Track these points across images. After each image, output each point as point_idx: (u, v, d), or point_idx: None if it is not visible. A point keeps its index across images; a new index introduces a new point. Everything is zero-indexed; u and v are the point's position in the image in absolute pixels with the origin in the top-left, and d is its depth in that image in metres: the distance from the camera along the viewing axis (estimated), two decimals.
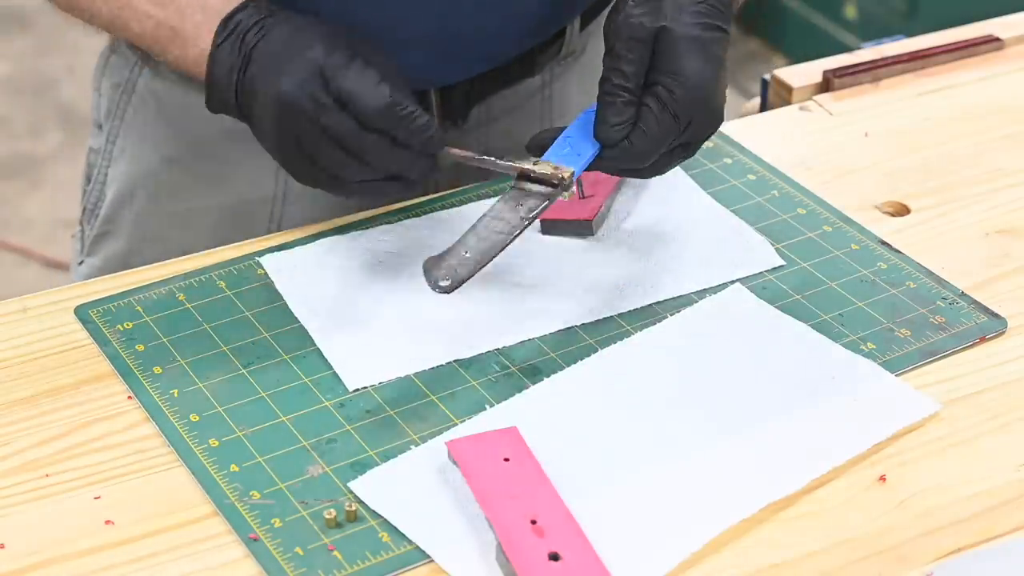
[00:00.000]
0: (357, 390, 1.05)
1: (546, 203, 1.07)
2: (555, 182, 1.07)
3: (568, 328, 1.11)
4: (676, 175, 1.24)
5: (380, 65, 1.08)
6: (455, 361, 1.07)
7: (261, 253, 1.17)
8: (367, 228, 1.20)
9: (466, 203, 1.23)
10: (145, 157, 1.31)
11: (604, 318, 1.11)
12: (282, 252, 1.17)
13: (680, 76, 1.06)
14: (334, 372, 1.06)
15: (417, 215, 1.21)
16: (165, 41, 1.15)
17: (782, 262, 1.14)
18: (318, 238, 1.18)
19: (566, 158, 1.09)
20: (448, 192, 1.25)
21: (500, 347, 1.08)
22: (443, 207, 1.22)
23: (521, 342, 1.09)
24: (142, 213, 1.31)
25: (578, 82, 1.34)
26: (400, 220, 1.21)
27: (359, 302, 1.13)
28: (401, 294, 1.13)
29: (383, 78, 1.06)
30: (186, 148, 1.29)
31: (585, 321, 1.11)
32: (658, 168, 1.10)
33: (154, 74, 1.29)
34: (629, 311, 1.12)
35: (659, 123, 1.06)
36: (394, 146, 1.07)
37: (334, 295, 1.14)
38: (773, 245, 1.18)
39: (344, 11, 1.17)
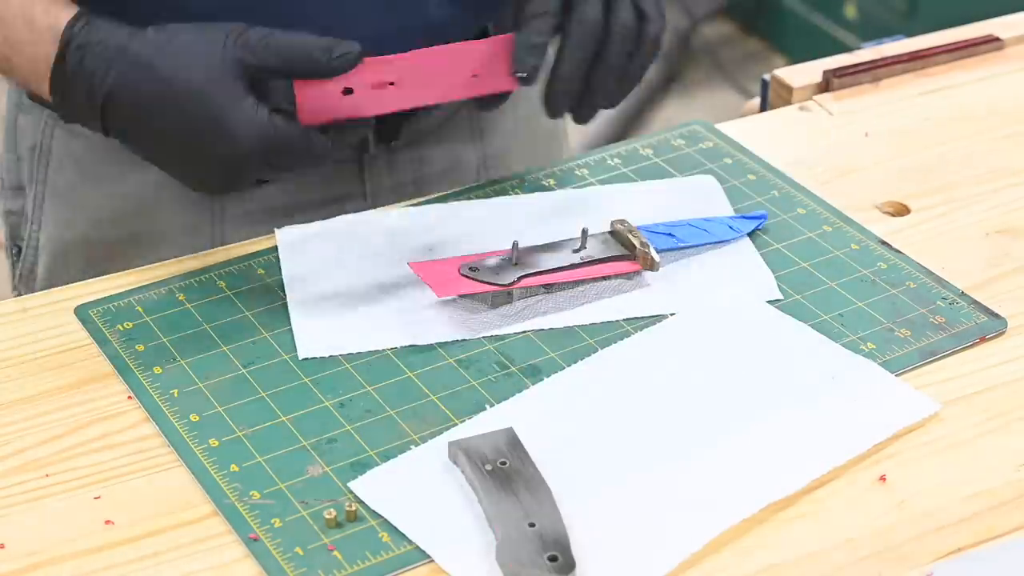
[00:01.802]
0: (307, 359, 1.07)
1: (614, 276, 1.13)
2: (634, 254, 1.13)
3: (567, 328, 1.11)
4: (707, 185, 1.25)
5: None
6: (455, 361, 1.07)
7: (261, 253, 1.17)
8: (389, 212, 1.22)
9: (487, 197, 1.24)
10: (75, 222, 1.27)
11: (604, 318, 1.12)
12: (298, 226, 1.19)
13: None
14: (334, 372, 1.06)
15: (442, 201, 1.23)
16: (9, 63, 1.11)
17: (780, 296, 1.14)
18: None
19: (659, 238, 1.16)
20: (460, 189, 1.25)
21: (460, 339, 1.09)
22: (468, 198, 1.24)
23: (513, 341, 1.09)
24: (81, 276, 1.24)
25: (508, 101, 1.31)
26: (418, 207, 1.22)
27: (343, 279, 1.14)
28: (387, 277, 1.14)
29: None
30: (116, 208, 1.26)
31: (580, 323, 1.11)
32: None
33: (68, 134, 1.25)
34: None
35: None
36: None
37: (324, 270, 1.15)
38: (773, 245, 1.18)
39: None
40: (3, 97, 1.30)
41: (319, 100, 1.07)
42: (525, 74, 1.11)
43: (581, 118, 1.15)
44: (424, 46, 1.12)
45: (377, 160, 1.28)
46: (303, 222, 1.21)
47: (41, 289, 1.29)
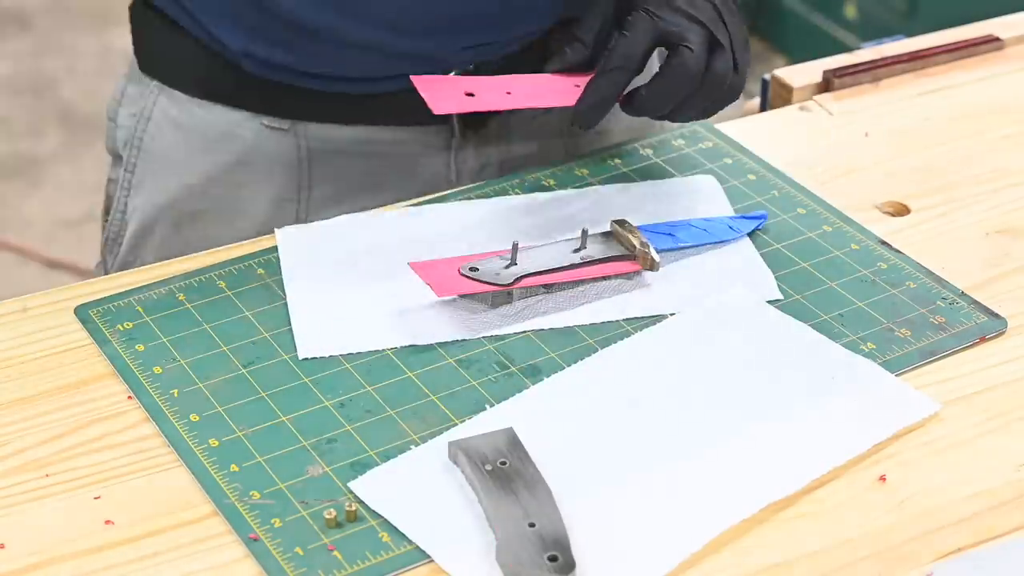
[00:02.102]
0: (307, 359, 1.07)
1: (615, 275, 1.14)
2: (634, 254, 1.14)
3: (567, 328, 1.11)
4: (707, 182, 1.25)
5: None
6: (455, 361, 1.07)
7: (261, 253, 1.17)
8: (388, 212, 1.22)
9: (487, 197, 1.24)
10: (166, 187, 1.31)
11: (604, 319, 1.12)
12: (298, 226, 1.19)
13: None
14: (334, 372, 1.06)
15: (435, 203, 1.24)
16: None
17: (780, 296, 1.14)
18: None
19: (659, 238, 1.16)
20: (460, 188, 1.26)
21: (460, 339, 1.09)
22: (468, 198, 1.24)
23: (513, 341, 1.09)
24: (165, 242, 1.31)
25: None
26: (418, 207, 1.22)
27: (343, 279, 1.14)
28: (386, 277, 1.14)
29: None
30: (206, 175, 1.29)
31: (580, 324, 1.11)
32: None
33: (170, 101, 1.30)
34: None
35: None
36: None
37: (324, 270, 1.15)
38: (773, 245, 1.18)
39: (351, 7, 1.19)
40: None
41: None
42: (579, 127, 1.15)
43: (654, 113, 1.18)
44: (502, 29, 1.23)
45: (465, 148, 1.30)
46: (387, 202, 1.23)
47: (124, 257, 1.34)
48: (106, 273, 1.36)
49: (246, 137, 1.28)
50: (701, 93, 1.15)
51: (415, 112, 1.19)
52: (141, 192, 1.32)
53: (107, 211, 1.37)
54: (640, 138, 1.31)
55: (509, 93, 1.14)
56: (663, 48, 1.16)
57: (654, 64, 1.19)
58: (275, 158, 1.28)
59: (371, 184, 1.29)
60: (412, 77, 1.11)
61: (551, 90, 1.16)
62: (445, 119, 1.28)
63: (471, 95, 1.12)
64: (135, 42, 1.33)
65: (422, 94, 1.11)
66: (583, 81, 1.16)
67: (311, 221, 1.26)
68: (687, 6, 1.14)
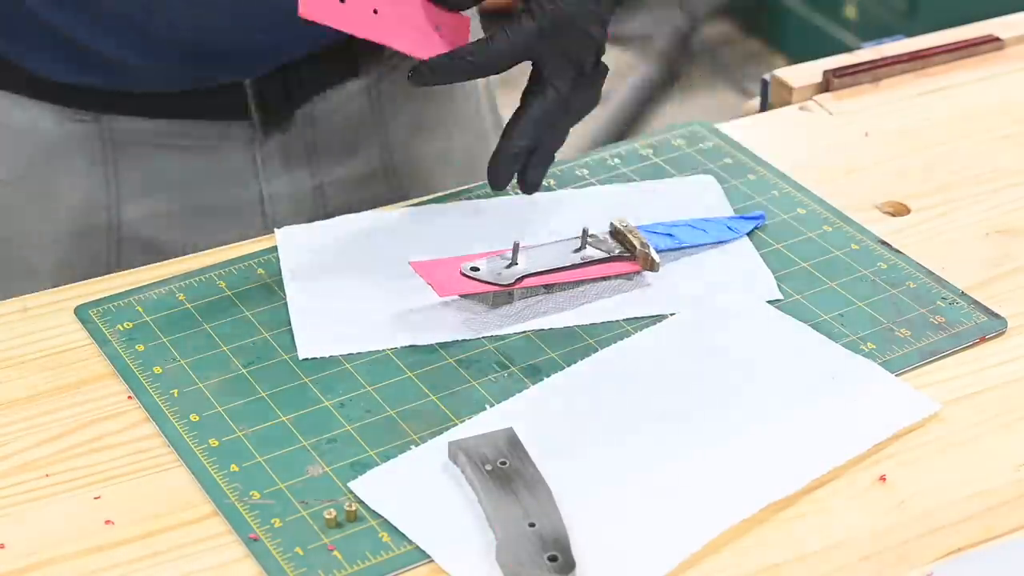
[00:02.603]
0: (307, 359, 1.07)
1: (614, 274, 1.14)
2: (634, 254, 1.14)
3: (568, 328, 1.11)
4: (706, 187, 1.25)
5: None
6: (455, 361, 1.07)
7: (261, 253, 1.17)
8: (388, 212, 1.22)
9: (487, 197, 1.24)
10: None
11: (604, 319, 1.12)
12: (298, 226, 1.19)
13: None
14: (334, 372, 1.06)
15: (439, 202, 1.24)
16: None
17: (780, 296, 1.14)
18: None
19: (658, 238, 1.16)
20: (460, 188, 1.26)
21: (458, 340, 1.09)
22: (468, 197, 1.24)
23: (513, 341, 1.09)
24: None
25: (402, 90, 1.33)
26: (418, 207, 1.23)
27: (343, 279, 1.14)
28: (387, 277, 1.14)
29: None
30: (13, 170, 1.27)
31: (580, 323, 1.11)
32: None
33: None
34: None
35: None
36: None
37: (324, 270, 1.15)
38: (773, 245, 1.18)
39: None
40: None
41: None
42: (412, 83, 1.12)
43: (531, 187, 1.18)
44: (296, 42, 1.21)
45: (269, 144, 1.29)
46: (197, 199, 1.23)
47: None
48: None
49: (49, 129, 1.25)
50: (558, 129, 1.16)
51: (214, 107, 1.21)
52: None
53: None
54: (636, 139, 1.31)
55: (376, 12, 1.10)
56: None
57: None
58: (80, 151, 1.25)
59: (179, 178, 1.27)
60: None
61: (412, 27, 1.12)
62: (242, 113, 1.26)
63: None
64: None
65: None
66: (447, 22, 1.13)
67: (123, 215, 1.25)
68: (583, 23, 1.12)
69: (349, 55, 1.30)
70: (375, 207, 1.24)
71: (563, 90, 1.14)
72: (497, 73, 1.14)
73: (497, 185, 1.16)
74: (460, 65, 1.12)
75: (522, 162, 1.16)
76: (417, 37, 1.13)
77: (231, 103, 1.26)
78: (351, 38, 1.11)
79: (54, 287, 1.15)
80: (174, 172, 1.28)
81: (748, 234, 1.20)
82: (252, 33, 1.22)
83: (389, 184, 1.35)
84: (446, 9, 1.14)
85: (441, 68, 1.11)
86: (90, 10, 1.19)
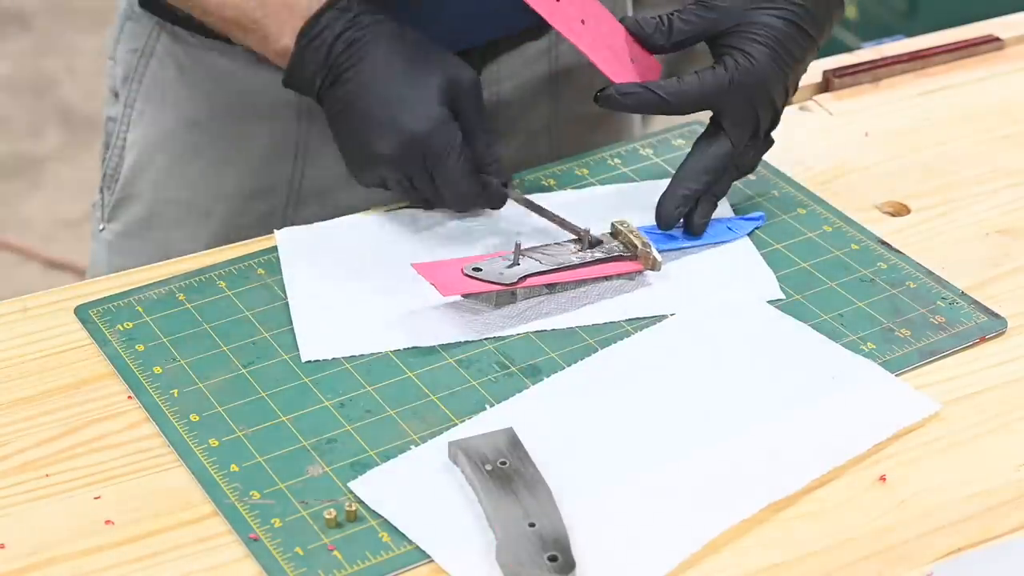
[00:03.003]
0: (309, 361, 1.07)
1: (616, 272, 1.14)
2: (636, 254, 1.14)
3: (568, 328, 1.11)
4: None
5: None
6: (456, 361, 1.07)
7: (261, 253, 1.17)
8: (388, 213, 1.22)
9: None
10: (164, 120, 1.31)
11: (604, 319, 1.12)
12: (298, 227, 1.19)
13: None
14: (335, 372, 1.06)
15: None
16: (245, 31, 1.18)
17: (781, 296, 1.14)
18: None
19: (659, 239, 1.17)
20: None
21: (459, 340, 1.09)
22: None
23: (513, 341, 1.09)
24: (162, 176, 1.32)
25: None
26: (419, 208, 1.22)
27: (345, 280, 1.14)
28: (388, 278, 1.14)
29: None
30: (207, 110, 1.30)
31: (582, 324, 1.11)
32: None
33: (174, 38, 1.30)
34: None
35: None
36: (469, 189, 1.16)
37: (325, 271, 1.15)
38: (773, 245, 1.18)
39: None
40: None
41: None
42: (599, 103, 1.15)
43: (697, 228, 1.19)
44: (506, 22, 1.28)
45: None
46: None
47: (122, 190, 1.34)
48: (102, 211, 1.36)
49: (247, 79, 1.28)
50: (723, 179, 1.18)
51: None
52: (139, 125, 1.32)
53: (106, 147, 1.37)
54: (636, 139, 1.31)
55: (583, 22, 1.15)
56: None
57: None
58: (275, 105, 1.28)
59: None
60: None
61: (611, 49, 1.16)
62: None
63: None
64: None
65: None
66: (641, 59, 1.16)
67: (306, 182, 1.28)
68: (775, 80, 1.15)
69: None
70: (539, 164, 1.28)
71: (738, 145, 1.16)
72: (681, 114, 1.16)
73: (665, 226, 1.17)
74: (648, 97, 1.14)
75: (690, 205, 1.17)
76: (613, 59, 1.16)
77: None
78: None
79: (225, 241, 1.22)
80: None
81: (748, 234, 1.20)
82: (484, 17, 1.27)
83: (551, 141, 1.37)
84: (643, 48, 1.17)
85: (630, 95, 1.14)
86: None
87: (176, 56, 1.30)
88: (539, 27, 1.32)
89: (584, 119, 1.37)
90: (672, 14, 1.17)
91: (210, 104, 1.29)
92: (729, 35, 1.15)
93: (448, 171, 1.15)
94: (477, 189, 1.17)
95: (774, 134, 1.19)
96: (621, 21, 1.17)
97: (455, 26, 1.25)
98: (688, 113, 1.16)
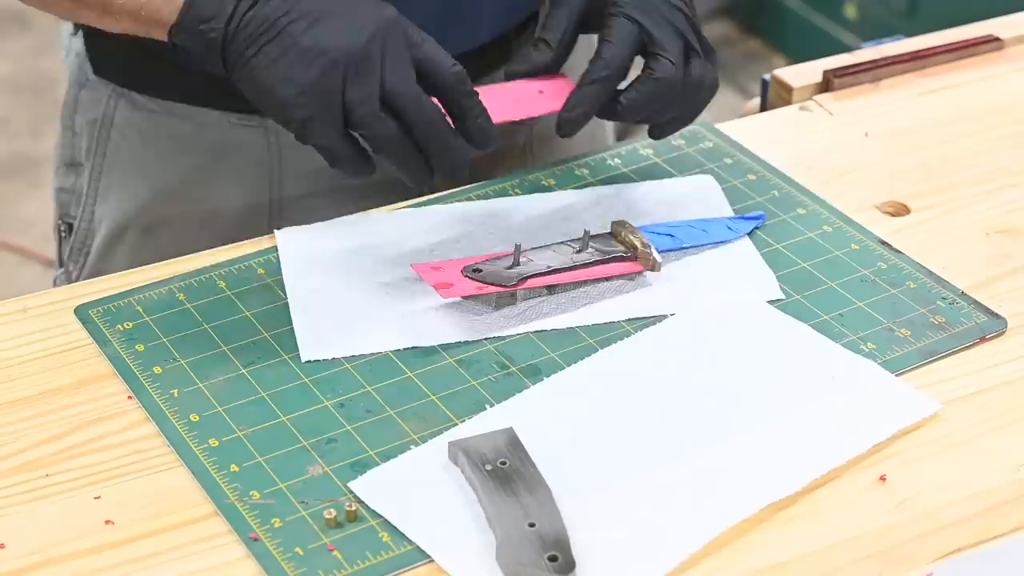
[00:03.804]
0: (309, 361, 1.07)
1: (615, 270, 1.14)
2: (636, 255, 1.14)
3: (568, 328, 1.11)
4: (705, 190, 1.25)
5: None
6: (456, 361, 1.07)
7: (261, 253, 1.17)
8: (388, 213, 1.22)
9: (488, 198, 1.24)
10: (134, 193, 1.29)
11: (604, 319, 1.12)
12: (298, 227, 1.19)
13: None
14: (334, 372, 1.06)
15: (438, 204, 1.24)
16: None
17: (781, 296, 1.14)
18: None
19: (659, 239, 1.16)
20: (460, 189, 1.25)
21: (459, 341, 1.09)
22: (464, 200, 1.24)
23: (513, 341, 1.09)
24: (135, 248, 1.30)
25: None
26: (419, 208, 1.22)
27: (345, 281, 1.14)
28: (388, 279, 1.14)
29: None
30: (176, 178, 1.28)
31: (581, 324, 1.11)
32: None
33: (132, 106, 1.28)
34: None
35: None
36: (446, 129, 1.08)
37: (325, 272, 1.15)
38: (773, 245, 1.18)
39: None
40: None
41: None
42: (563, 135, 1.15)
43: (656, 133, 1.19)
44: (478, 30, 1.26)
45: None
46: (360, 208, 1.22)
47: (93, 265, 1.32)
48: (69, 283, 1.34)
49: (214, 136, 1.26)
50: (681, 101, 1.15)
51: None
52: (108, 199, 1.31)
53: (62, 220, 1.35)
54: (636, 139, 1.31)
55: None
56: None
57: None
58: (246, 155, 1.27)
59: (342, 183, 1.27)
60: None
61: (515, 99, 1.16)
62: None
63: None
64: (89, 47, 1.30)
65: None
66: (547, 86, 1.16)
67: (282, 221, 1.25)
68: (667, 12, 1.15)
69: (523, 28, 1.33)
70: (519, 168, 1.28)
71: (675, 57, 1.14)
72: (625, 74, 1.15)
73: (566, 132, 1.15)
74: (592, 90, 1.13)
75: (600, 102, 1.15)
76: (540, 100, 1.16)
77: None
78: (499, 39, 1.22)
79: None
80: (335, 182, 1.27)
81: (748, 234, 1.20)
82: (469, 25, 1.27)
83: (529, 161, 1.37)
84: (544, 77, 1.17)
85: (579, 101, 1.13)
86: None
87: (136, 125, 1.28)
88: (499, 53, 1.31)
89: (554, 142, 1.36)
90: (538, 38, 1.17)
91: (179, 171, 1.28)
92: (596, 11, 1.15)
93: (430, 57, 1.07)
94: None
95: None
96: (506, 74, 1.17)
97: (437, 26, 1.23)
98: (630, 66, 1.15)
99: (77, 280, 1.34)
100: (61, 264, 1.37)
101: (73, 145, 1.33)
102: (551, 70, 1.17)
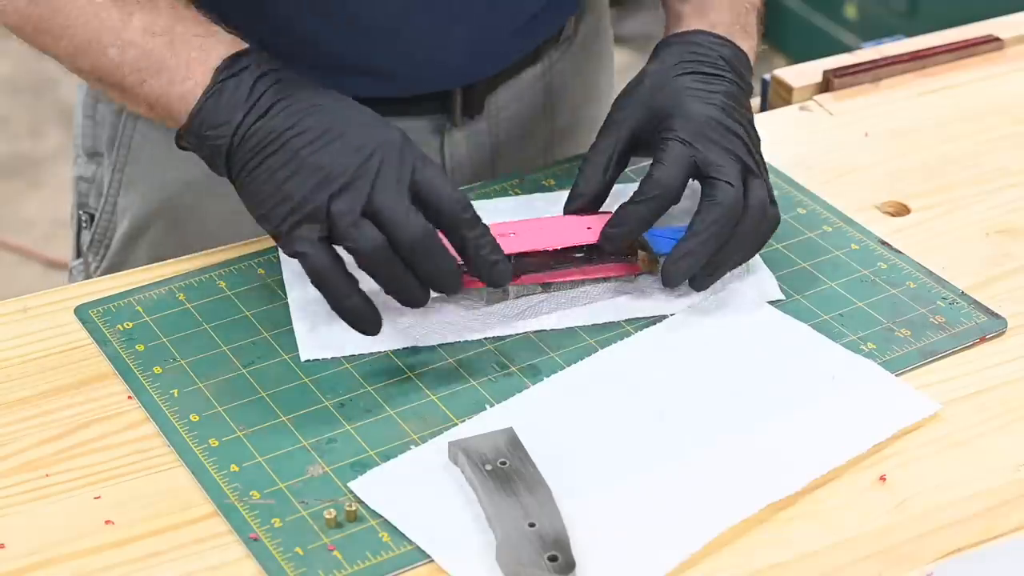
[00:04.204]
0: (309, 361, 1.07)
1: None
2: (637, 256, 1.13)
3: (568, 328, 1.11)
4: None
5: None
6: (456, 361, 1.07)
7: (261, 253, 1.17)
8: None
9: (488, 198, 1.24)
10: (161, 184, 1.29)
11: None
12: None
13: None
14: (334, 372, 1.06)
15: None
16: (147, 72, 1.08)
17: (782, 296, 1.14)
18: None
19: (665, 243, 1.13)
20: (469, 187, 1.26)
21: (459, 340, 1.09)
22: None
23: (513, 341, 1.09)
24: (160, 241, 1.30)
25: (572, 65, 1.36)
26: None
27: None
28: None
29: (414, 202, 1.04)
30: (203, 170, 1.27)
31: (580, 324, 1.11)
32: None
33: None
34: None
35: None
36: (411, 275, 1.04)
37: None
38: (773, 245, 1.18)
39: (380, 16, 1.19)
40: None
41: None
42: (606, 249, 1.12)
43: (701, 287, 1.13)
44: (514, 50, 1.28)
45: (456, 135, 1.30)
46: None
47: (114, 256, 1.32)
48: (87, 276, 1.34)
49: None
50: (743, 228, 1.11)
51: (413, 107, 1.23)
52: (132, 191, 1.31)
53: (81, 210, 1.35)
54: None
55: (514, 234, 1.12)
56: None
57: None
58: None
59: None
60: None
61: (556, 230, 1.13)
62: (442, 106, 1.28)
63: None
64: None
65: None
66: (595, 222, 1.13)
67: None
68: (720, 138, 1.12)
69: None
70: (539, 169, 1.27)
71: (734, 180, 1.10)
72: (678, 198, 1.11)
73: (608, 248, 1.12)
74: (639, 208, 1.10)
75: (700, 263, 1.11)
76: (582, 234, 1.13)
77: (436, 102, 1.28)
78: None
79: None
80: None
81: None
82: (484, 52, 1.26)
83: (553, 143, 1.36)
84: (592, 214, 1.15)
85: (625, 218, 1.10)
86: (347, 21, 1.20)
87: None
88: (533, 55, 1.32)
89: (576, 134, 1.37)
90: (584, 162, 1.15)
91: (203, 164, 1.27)
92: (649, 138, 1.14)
93: (428, 181, 1.04)
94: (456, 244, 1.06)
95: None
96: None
97: (458, 59, 1.25)
98: (681, 192, 1.11)
99: (96, 271, 1.34)
100: (79, 254, 1.37)
101: (95, 135, 1.33)
102: (598, 193, 1.15)
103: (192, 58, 1.08)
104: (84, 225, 1.36)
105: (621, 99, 1.17)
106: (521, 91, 1.33)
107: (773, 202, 1.13)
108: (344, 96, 1.08)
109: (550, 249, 1.12)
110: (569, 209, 1.15)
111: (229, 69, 1.07)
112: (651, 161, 1.12)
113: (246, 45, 1.09)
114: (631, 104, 1.16)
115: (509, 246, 1.10)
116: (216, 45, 1.08)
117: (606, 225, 1.11)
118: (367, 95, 1.22)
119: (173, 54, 1.08)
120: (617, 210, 1.11)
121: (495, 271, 1.06)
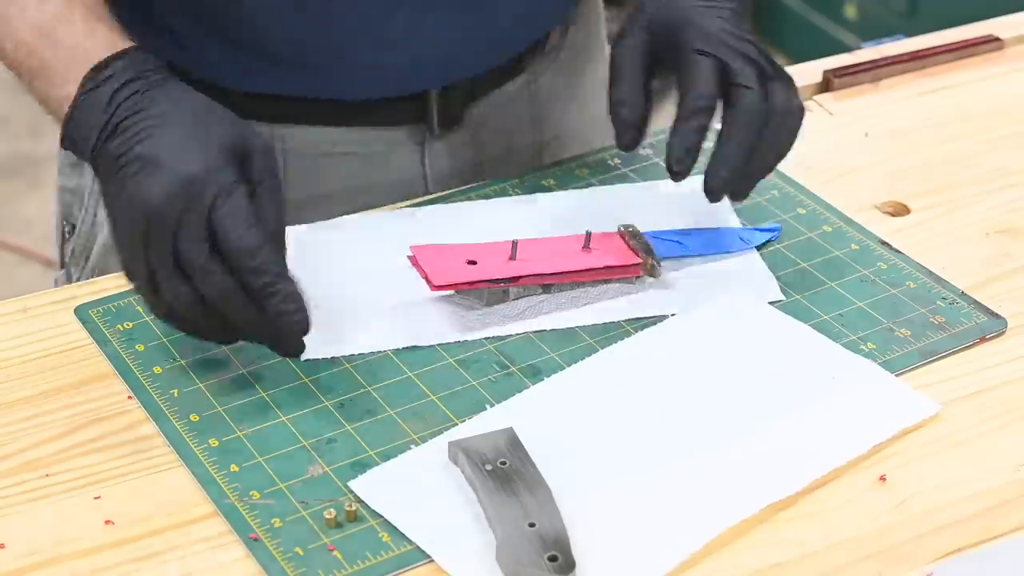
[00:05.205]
0: (309, 361, 1.07)
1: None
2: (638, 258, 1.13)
3: (568, 328, 1.11)
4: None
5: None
6: (456, 361, 1.07)
7: None
8: (388, 212, 1.22)
9: (488, 198, 1.24)
10: None
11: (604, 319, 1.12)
12: (298, 227, 1.18)
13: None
14: (334, 372, 1.06)
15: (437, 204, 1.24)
16: (32, 72, 1.08)
17: (782, 297, 1.14)
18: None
19: (667, 245, 1.15)
20: (460, 189, 1.26)
21: (458, 340, 1.09)
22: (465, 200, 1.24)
23: (513, 341, 1.09)
24: None
25: (559, 77, 1.35)
26: (419, 208, 1.22)
27: (343, 280, 1.14)
28: (387, 278, 1.14)
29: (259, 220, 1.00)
30: None
31: (582, 324, 1.11)
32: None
33: None
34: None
35: None
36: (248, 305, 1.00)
37: (324, 271, 1.15)
38: (773, 245, 1.18)
39: (355, 9, 1.18)
40: None
41: (446, 270, 1.10)
42: (679, 172, 1.12)
43: (739, 197, 1.15)
44: (493, 55, 1.26)
45: (436, 145, 1.29)
46: (361, 208, 1.22)
47: (94, 268, 1.31)
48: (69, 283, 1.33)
49: None
50: (771, 128, 1.13)
51: (391, 114, 1.23)
52: None
53: (65, 221, 1.34)
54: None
55: (511, 259, 1.12)
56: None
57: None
58: None
59: (346, 186, 1.27)
60: (412, 247, 1.11)
61: (557, 252, 1.14)
62: (420, 115, 1.27)
63: (473, 263, 1.11)
64: None
65: (423, 268, 1.10)
66: (595, 242, 1.14)
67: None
68: (737, 45, 1.13)
69: (519, 55, 1.32)
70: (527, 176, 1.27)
71: (754, 84, 1.12)
72: (715, 107, 1.12)
73: (713, 194, 1.13)
74: (694, 124, 1.11)
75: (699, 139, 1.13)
76: (566, 256, 1.14)
77: (414, 109, 1.27)
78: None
79: None
80: (339, 179, 1.27)
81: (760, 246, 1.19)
82: (470, 50, 1.25)
83: (540, 156, 1.36)
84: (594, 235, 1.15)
85: (683, 143, 1.11)
86: (322, 15, 1.19)
87: None
88: (516, 66, 1.31)
89: (565, 148, 1.36)
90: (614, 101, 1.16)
91: None
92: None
93: (220, 222, 0.99)
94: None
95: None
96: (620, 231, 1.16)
97: (434, 59, 1.24)
98: (717, 101, 1.13)
99: (77, 282, 1.33)
100: (62, 265, 1.36)
101: None
102: (645, 115, 1.17)
103: (71, 59, 1.06)
104: (67, 236, 1.35)
105: (628, 26, 1.17)
106: (504, 103, 1.31)
107: (796, 95, 1.15)
108: (197, 98, 1.05)
109: (548, 272, 1.12)
110: (623, 142, 1.16)
111: (93, 79, 1.04)
112: (676, 77, 1.13)
113: (123, 46, 1.06)
114: (640, 29, 1.16)
115: (506, 270, 1.10)
116: (93, 48, 1.06)
117: (668, 155, 1.11)
118: (343, 97, 1.23)
119: (54, 55, 1.06)
120: (670, 140, 1.12)
121: (282, 322, 1.00)
